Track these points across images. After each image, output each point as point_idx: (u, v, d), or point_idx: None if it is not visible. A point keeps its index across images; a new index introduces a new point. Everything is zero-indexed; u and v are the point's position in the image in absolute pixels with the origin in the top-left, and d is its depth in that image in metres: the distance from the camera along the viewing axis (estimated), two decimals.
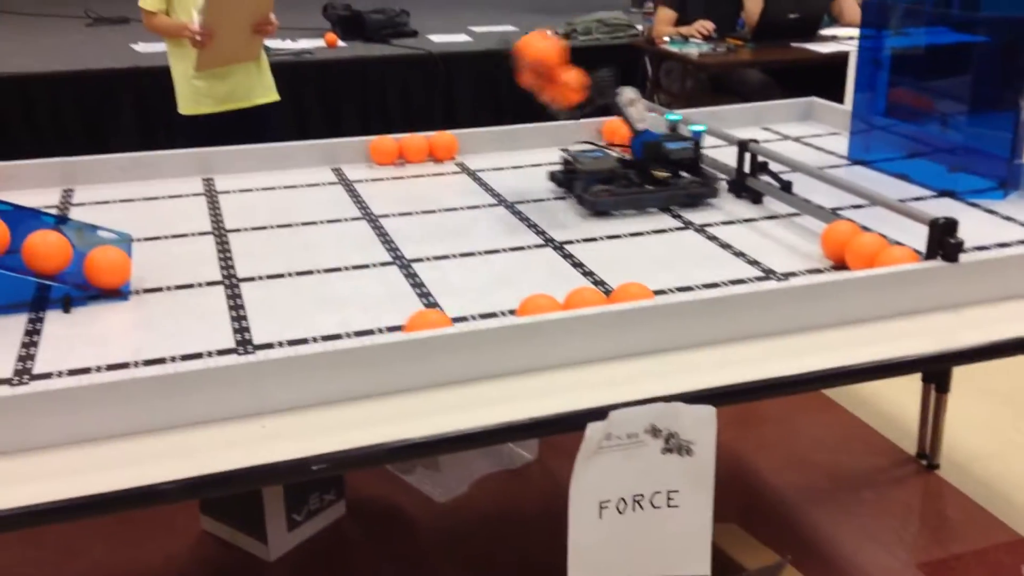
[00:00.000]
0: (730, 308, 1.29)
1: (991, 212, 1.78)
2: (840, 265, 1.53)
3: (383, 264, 1.56)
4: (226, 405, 1.10)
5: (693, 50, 4.31)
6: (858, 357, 1.27)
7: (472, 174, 2.07)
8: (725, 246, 1.62)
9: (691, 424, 1.18)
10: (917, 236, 1.47)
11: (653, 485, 1.19)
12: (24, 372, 1.21)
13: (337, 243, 1.66)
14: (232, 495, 2.15)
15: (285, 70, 3.69)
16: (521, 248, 1.63)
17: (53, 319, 1.35)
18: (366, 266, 1.55)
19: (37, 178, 1.95)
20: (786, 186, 1.79)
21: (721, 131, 2.02)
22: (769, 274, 1.50)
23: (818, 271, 1.51)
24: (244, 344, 1.28)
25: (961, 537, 2.33)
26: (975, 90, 1.86)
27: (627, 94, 1.85)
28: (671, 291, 1.42)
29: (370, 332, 1.30)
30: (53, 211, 1.80)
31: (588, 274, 1.51)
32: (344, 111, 4.57)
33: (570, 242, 1.65)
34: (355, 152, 2.15)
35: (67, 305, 1.38)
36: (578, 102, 1.76)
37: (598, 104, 1.80)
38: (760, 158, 1.84)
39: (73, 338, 1.30)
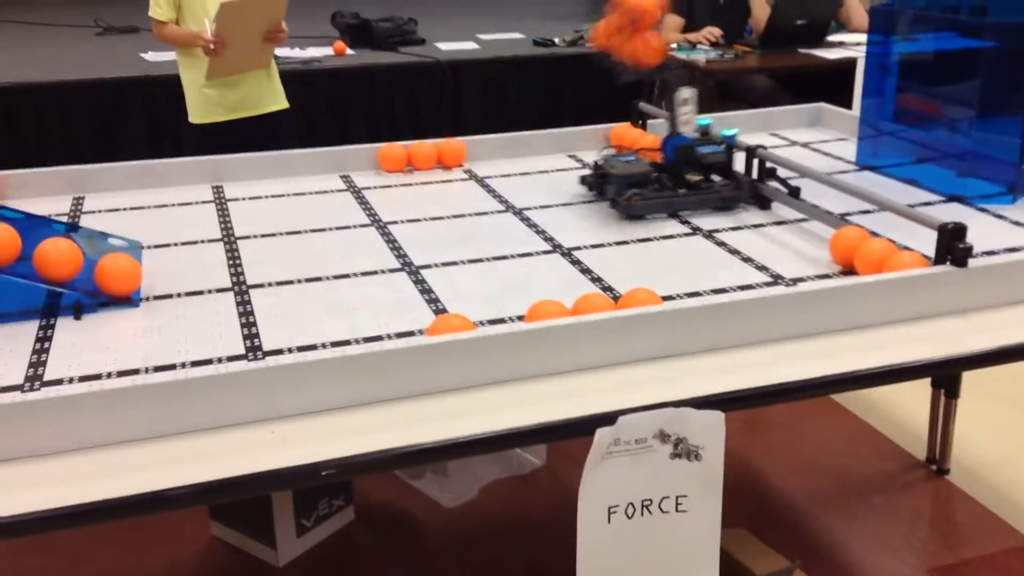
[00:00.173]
0: (738, 313, 1.29)
1: (1000, 217, 1.78)
2: (849, 270, 1.52)
3: (392, 270, 1.57)
4: (236, 411, 1.11)
5: (700, 56, 4.31)
6: (867, 362, 1.27)
7: (480, 181, 2.07)
8: (733, 251, 1.62)
9: (699, 429, 1.18)
10: (926, 241, 1.47)
11: (662, 490, 1.19)
12: (35, 378, 1.21)
13: (346, 250, 1.67)
14: (241, 501, 2.15)
15: (294, 78, 3.70)
16: (529, 254, 1.63)
17: (64, 326, 1.36)
18: (375, 272, 1.56)
19: (48, 186, 1.96)
20: (794, 192, 1.79)
21: None
22: (777, 279, 1.50)
23: (827, 276, 1.51)
24: (254, 350, 1.28)
25: (971, 542, 2.32)
26: (983, 95, 1.85)
27: (685, 94, 1.85)
28: (679, 297, 1.43)
29: (379, 338, 1.31)
30: (64, 219, 1.81)
31: (596, 280, 1.51)
32: (352, 119, 4.59)
33: (578, 248, 1.65)
34: (364, 159, 2.15)
35: (78, 312, 1.39)
36: (650, 66, 1.75)
37: (661, 83, 1.82)
38: (768, 164, 1.84)
39: (83, 345, 1.30)
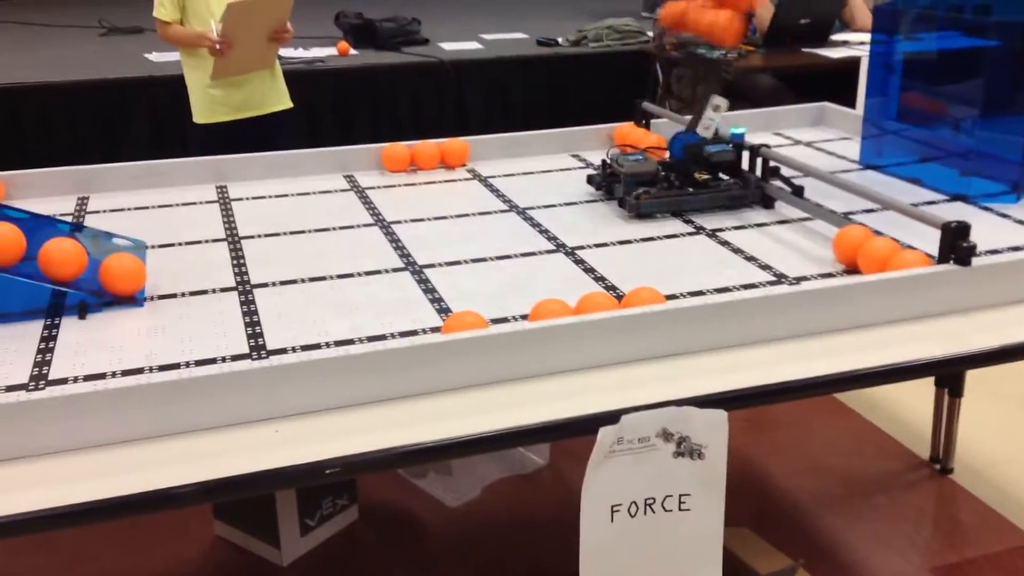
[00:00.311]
0: (742, 312, 1.29)
1: (1004, 216, 1.78)
2: (852, 269, 1.52)
3: (395, 270, 1.57)
4: (240, 410, 1.11)
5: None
6: (870, 361, 1.27)
7: (483, 180, 2.07)
8: (737, 251, 1.62)
9: (703, 428, 1.18)
10: (929, 240, 1.47)
11: (665, 489, 1.19)
12: (40, 377, 1.22)
13: (350, 249, 1.67)
14: (245, 500, 2.16)
15: (298, 78, 3.70)
16: (533, 253, 1.63)
17: (68, 325, 1.36)
18: (378, 272, 1.56)
19: (53, 186, 1.96)
20: (798, 191, 1.79)
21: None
22: (781, 278, 1.50)
23: (830, 275, 1.51)
24: (258, 349, 1.28)
25: (974, 541, 2.32)
26: (987, 94, 1.85)
27: (718, 101, 1.85)
28: (683, 295, 1.43)
29: (383, 337, 1.31)
30: (68, 219, 1.81)
31: (599, 279, 1.51)
32: (356, 119, 4.59)
33: (581, 247, 1.65)
34: (367, 159, 2.16)
35: (82, 311, 1.39)
36: (724, 45, 1.75)
37: (694, 77, 1.83)
38: (772, 163, 1.84)
39: (88, 344, 1.31)
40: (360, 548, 2.33)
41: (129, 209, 1.90)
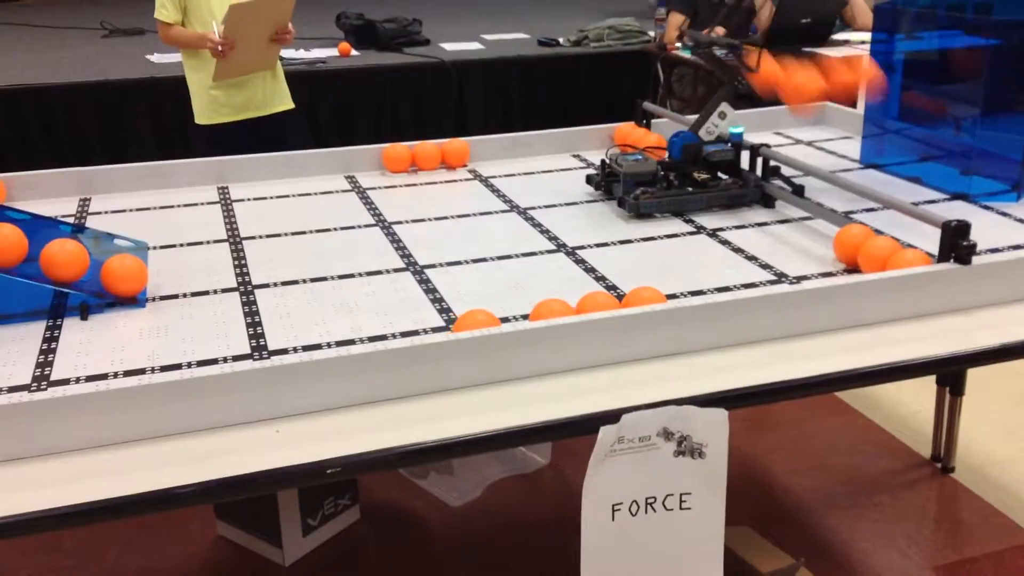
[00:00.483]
0: (742, 312, 1.30)
1: (1004, 214, 1.78)
2: (853, 268, 1.53)
3: (396, 270, 1.57)
4: (241, 410, 1.11)
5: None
6: (871, 360, 1.28)
7: (484, 181, 2.07)
8: (737, 250, 1.63)
9: (703, 427, 1.18)
10: (930, 239, 1.48)
11: (665, 488, 1.20)
12: (42, 378, 1.22)
13: (351, 250, 1.67)
14: (247, 500, 2.16)
15: (299, 79, 3.71)
16: (533, 253, 1.64)
17: (70, 326, 1.37)
18: (379, 272, 1.56)
19: (55, 188, 1.97)
20: (798, 190, 1.79)
21: None
22: (781, 277, 1.51)
23: (831, 274, 1.51)
24: (259, 350, 1.29)
25: (976, 540, 2.32)
26: (988, 93, 1.85)
27: (725, 108, 1.86)
28: (683, 295, 1.43)
29: (383, 337, 1.31)
30: (70, 220, 1.82)
31: (600, 279, 1.52)
32: (357, 119, 4.59)
33: (582, 247, 1.65)
34: (368, 160, 2.16)
35: (84, 312, 1.40)
36: (794, 106, 1.84)
37: (707, 81, 1.85)
38: (773, 162, 1.84)
39: (90, 345, 1.31)
40: (362, 548, 2.33)
41: (131, 210, 1.90)
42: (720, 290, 1.45)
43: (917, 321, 1.38)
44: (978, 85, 1.87)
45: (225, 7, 2.93)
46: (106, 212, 1.89)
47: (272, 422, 1.12)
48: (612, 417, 1.14)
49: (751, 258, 1.59)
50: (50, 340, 1.32)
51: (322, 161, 2.14)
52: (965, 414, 2.56)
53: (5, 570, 2.20)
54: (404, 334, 1.32)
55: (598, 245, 1.66)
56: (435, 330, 1.33)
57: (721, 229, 1.73)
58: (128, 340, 1.33)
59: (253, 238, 1.73)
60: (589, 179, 1.95)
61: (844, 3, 4.71)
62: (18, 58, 4.78)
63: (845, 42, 4.56)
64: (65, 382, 1.21)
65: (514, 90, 4.86)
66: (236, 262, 1.62)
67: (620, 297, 1.38)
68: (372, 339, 1.31)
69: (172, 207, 1.93)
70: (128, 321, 1.39)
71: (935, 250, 1.44)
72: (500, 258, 1.62)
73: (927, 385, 2.58)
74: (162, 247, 1.68)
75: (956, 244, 1.41)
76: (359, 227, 1.79)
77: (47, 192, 1.95)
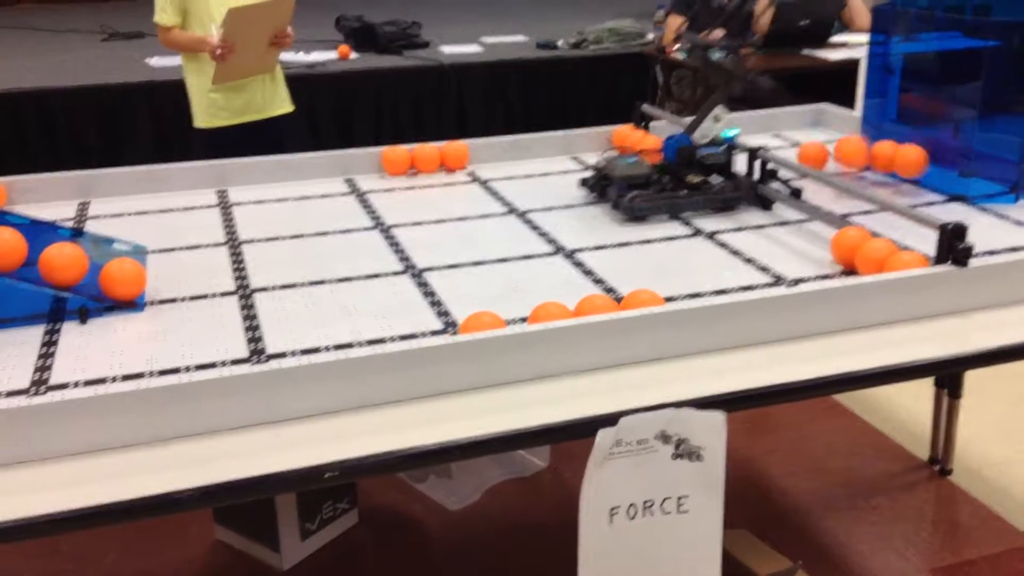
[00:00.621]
0: (740, 314, 1.30)
1: (1002, 217, 1.78)
2: (850, 271, 1.53)
3: (395, 273, 1.57)
4: (240, 414, 1.12)
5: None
6: (869, 362, 1.28)
7: (483, 183, 2.08)
8: (735, 253, 1.63)
9: (701, 430, 1.18)
10: (927, 241, 1.48)
11: (663, 491, 1.20)
12: (41, 382, 1.22)
13: (349, 253, 1.67)
14: (245, 504, 2.16)
15: (298, 82, 3.71)
16: (532, 256, 1.64)
17: (69, 330, 1.37)
18: (378, 275, 1.56)
19: (54, 191, 1.97)
20: (796, 192, 1.79)
21: None
22: (779, 280, 1.51)
23: (828, 277, 1.51)
24: (257, 354, 1.29)
25: (974, 542, 2.32)
26: (986, 95, 1.85)
27: (720, 111, 1.87)
28: (681, 298, 1.43)
29: (382, 341, 1.31)
30: (69, 224, 1.81)
31: (598, 282, 1.52)
32: (356, 122, 4.60)
33: (580, 250, 1.66)
34: (367, 162, 2.16)
35: (83, 316, 1.40)
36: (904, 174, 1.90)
37: (705, 84, 1.86)
38: (770, 166, 1.84)
39: (89, 349, 1.31)
40: (360, 552, 2.33)
41: (129, 214, 1.90)
42: (718, 293, 1.45)
43: (915, 323, 1.38)
44: (976, 87, 1.87)
45: (225, 10, 2.93)
46: (105, 216, 1.89)
47: (271, 426, 1.12)
48: (610, 420, 1.14)
49: (749, 261, 1.59)
50: (49, 344, 1.32)
51: (321, 164, 2.14)
52: (963, 416, 2.56)
53: (7, 573, 2.20)
54: (403, 337, 1.32)
55: (596, 248, 1.67)
56: (434, 333, 1.33)
57: (719, 232, 1.73)
58: (127, 344, 1.33)
59: (252, 241, 1.74)
60: (584, 182, 1.95)
61: (843, 5, 4.72)
62: (18, 62, 4.78)
63: (843, 44, 4.57)
64: (64, 386, 1.21)
65: (513, 93, 4.87)
66: (235, 265, 1.62)
67: (618, 300, 1.39)
68: (371, 342, 1.31)
69: (171, 210, 1.93)
70: (127, 325, 1.39)
71: (932, 252, 1.44)
72: (499, 261, 1.62)
73: (925, 387, 2.58)
74: (161, 251, 1.68)
75: (953, 246, 1.41)
76: (358, 230, 1.79)
77: (46, 196, 1.95)
